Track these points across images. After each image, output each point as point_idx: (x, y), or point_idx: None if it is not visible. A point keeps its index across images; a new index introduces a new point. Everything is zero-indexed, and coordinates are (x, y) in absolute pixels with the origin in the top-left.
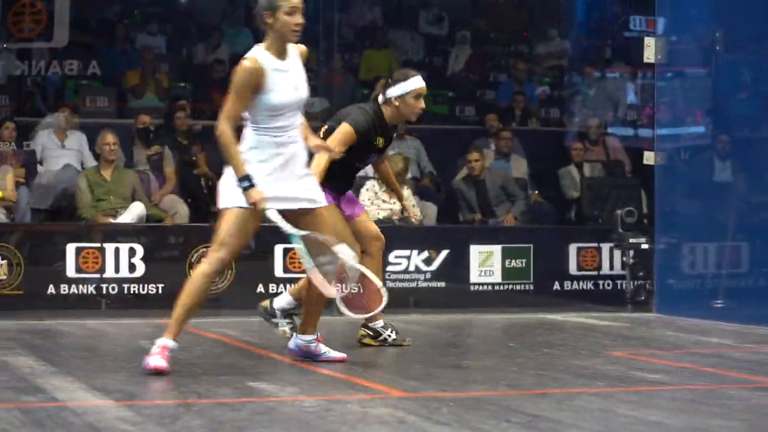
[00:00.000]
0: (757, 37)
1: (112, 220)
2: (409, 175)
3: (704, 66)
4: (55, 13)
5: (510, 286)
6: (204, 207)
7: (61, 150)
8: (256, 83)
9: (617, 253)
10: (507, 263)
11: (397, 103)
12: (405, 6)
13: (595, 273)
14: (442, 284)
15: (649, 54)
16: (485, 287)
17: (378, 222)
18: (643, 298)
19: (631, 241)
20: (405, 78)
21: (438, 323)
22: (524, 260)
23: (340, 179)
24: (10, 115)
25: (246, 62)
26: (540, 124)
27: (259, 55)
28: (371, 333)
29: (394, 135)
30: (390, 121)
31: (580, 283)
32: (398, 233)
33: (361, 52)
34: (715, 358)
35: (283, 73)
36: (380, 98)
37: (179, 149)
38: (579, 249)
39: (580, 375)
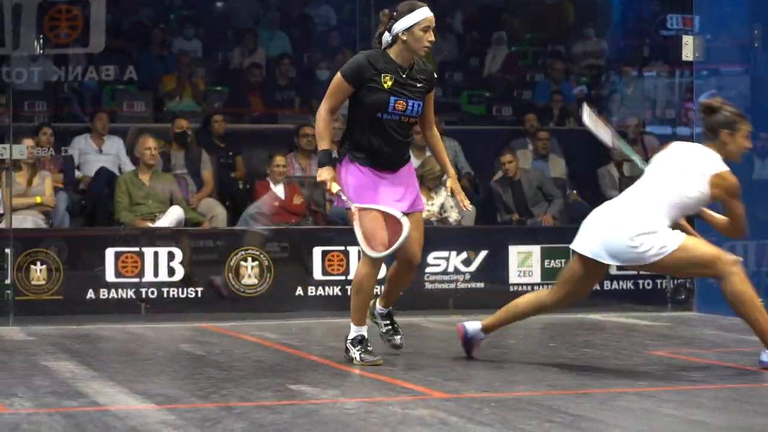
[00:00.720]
0: None
1: (150, 225)
2: (446, 177)
3: (742, 63)
4: (91, 19)
5: (549, 287)
6: (242, 210)
7: (99, 155)
8: None
9: None
10: (546, 263)
11: (404, 38)
12: (440, 6)
13: (635, 273)
14: (482, 285)
15: (687, 52)
16: (524, 288)
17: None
18: (683, 297)
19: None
20: (411, 9)
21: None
22: (563, 260)
23: (374, 144)
24: (47, 120)
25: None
26: (578, 123)
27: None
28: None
29: (428, 77)
30: (399, 59)
31: (620, 282)
32: (437, 234)
33: None
34: (757, 356)
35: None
36: (385, 36)
37: (216, 152)
38: None
39: (622, 375)
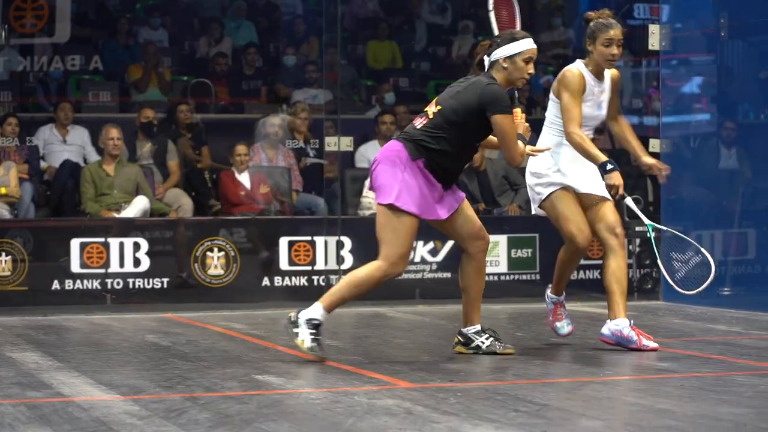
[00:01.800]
0: (762, 24)
1: (115, 215)
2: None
3: (709, 53)
4: (56, 9)
5: (516, 276)
6: (208, 201)
7: (63, 145)
8: (579, 90)
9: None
10: (513, 253)
11: (505, 65)
12: None
13: (601, 262)
14: (448, 275)
15: (654, 41)
16: (491, 277)
17: None
18: (649, 286)
19: (637, 229)
20: (514, 38)
21: (444, 314)
22: (530, 250)
23: (456, 162)
24: (12, 111)
25: (573, 69)
26: (545, 113)
27: (581, 67)
28: (462, 340)
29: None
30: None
31: (587, 272)
32: None
33: (365, 43)
34: (723, 345)
35: (597, 91)
36: (486, 62)
37: (182, 143)
38: None
39: (588, 364)
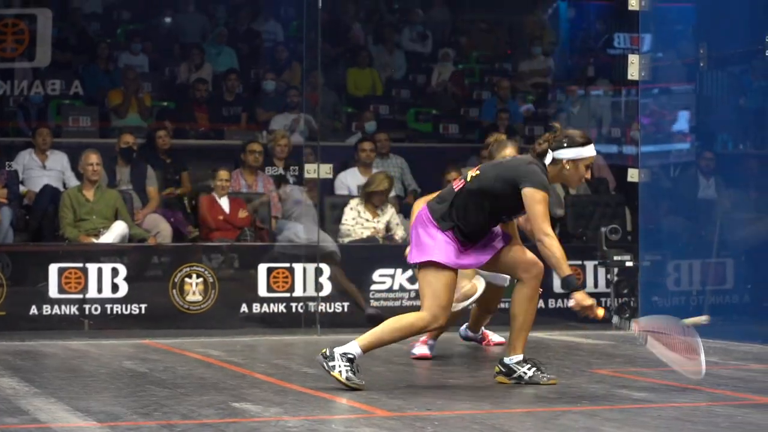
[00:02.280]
0: (742, 54)
1: (94, 240)
2: (393, 194)
3: (688, 82)
4: (37, 33)
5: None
6: (187, 226)
7: (43, 170)
8: None
9: (602, 271)
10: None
11: (568, 167)
12: (388, 23)
13: None
14: None
15: (633, 71)
16: (470, 306)
17: (361, 241)
18: (627, 315)
19: (615, 258)
20: (585, 143)
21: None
22: (508, 278)
23: (477, 228)
24: None
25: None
26: (525, 141)
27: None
28: (504, 369)
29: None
30: (551, 180)
31: (565, 300)
32: (382, 252)
33: (345, 70)
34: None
35: None
36: (548, 156)
37: (162, 168)
38: None
39: (565, 393)
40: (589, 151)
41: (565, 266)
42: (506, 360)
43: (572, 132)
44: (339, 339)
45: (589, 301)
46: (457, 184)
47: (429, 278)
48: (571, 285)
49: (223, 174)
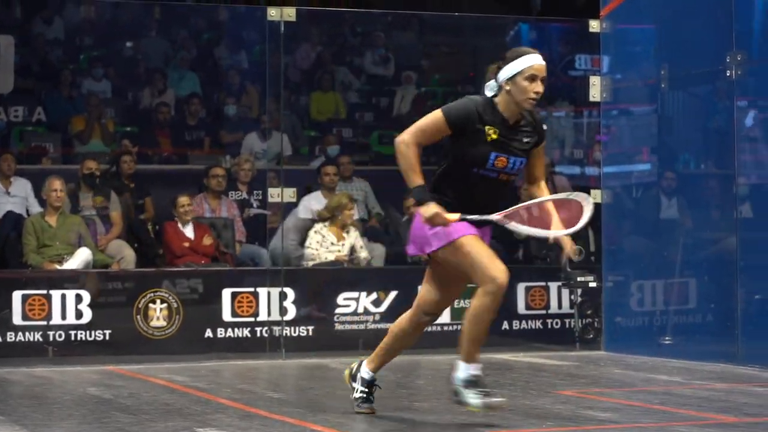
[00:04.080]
0: (703, 74)
1: (58, 267)
2: (356, 216)
3: (650, 103)
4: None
5: (459, 326)
6: (151, 252)
7: (6, 197)
8: None
9: (565, 292)
10: (455, 303)
11: (508, 87)
12: (350, 47)
13: (543, 312)
14: (391, 326)
15: (594, 93)
16: (434, 328)
17: (326, 265)
18: (591, 336)
19: (578, 279)
20: (516, 56)
21: (387, 365)
22: None
23: (462, 195)
24: None
25: None
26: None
27: None
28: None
29: (536, 131)
30: (505, 112)
31: (529, 322)
32: (347, 275)
33: (308, 94)
34: (665, 395)
35: None
36: (490, 83)
37: (126, 194)
38: (527, 288)
39: (530, 415)
40: (523, 62)
41: (414, 176)
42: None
43: (511, 50)
44: (304, 363)
45: (433, 210)
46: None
47: (459, 254)
48: (417, 196)
49: (183, 200)
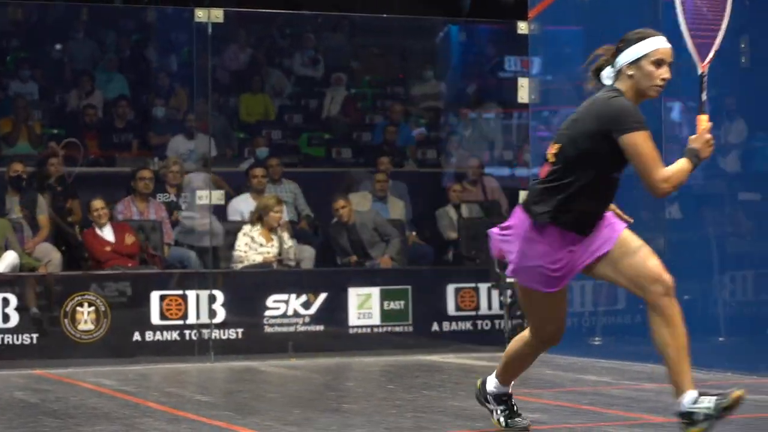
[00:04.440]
0: None
1: None
2: (286, 218)
3: (578, 105)
4: None
5: (389, 328)
6: (78, 255)
7: None
8: None
9: (495, 293)
10: (385, 305)
11: (630, 72)
12: (279, 48)
13: (473, 313)
14: (321, 328)
15: (523, 94)
16: (364, 330)
17: (254, 267)
18: None
19: (508, 280)
20: (640, 38)
21: (317, 367)
22: (403, 302)
23: (598, 205)
24: None
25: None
26: (417, 165)
27: None
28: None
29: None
30: (630, 99)
31: (459, 323)
32: (276, 277)
33: (237, 96)
34: (593, 395)
35: None
36: (606, 71)
37: (53, 196)
38: (457, 289)
39: (459, 416)
40: (649, 44)
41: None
42: (681, 406)
43: (631, 33)
44: (232, 366)
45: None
46: (543, 172)
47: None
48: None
49: (96, 204)
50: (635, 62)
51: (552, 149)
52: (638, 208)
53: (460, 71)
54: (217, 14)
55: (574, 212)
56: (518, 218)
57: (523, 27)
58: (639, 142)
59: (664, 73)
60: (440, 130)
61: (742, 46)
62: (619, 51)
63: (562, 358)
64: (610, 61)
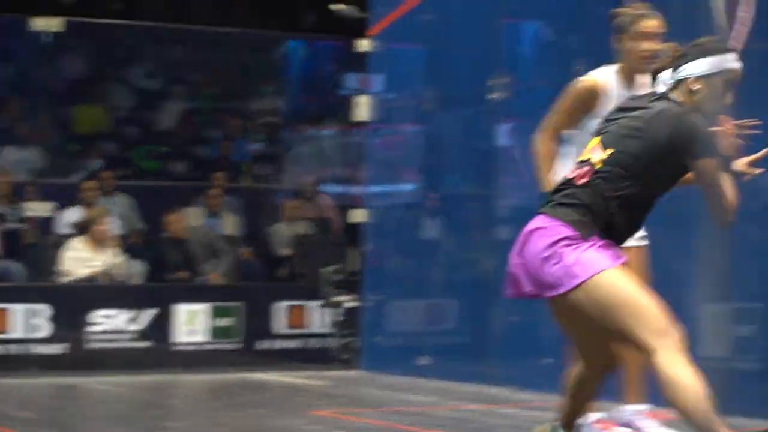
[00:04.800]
0: (469, 96)
1: None
2: (114, 232)
3: (416, 124)
4: None
5: (217, 345)
6: None
7: None
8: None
9: (326, 312)
10: (215, 322)
11: (697, 87)
12: (118, 59)
13: (302, 331)
14: (148, 344)
15: (361, 112)
16: (192, 347)
17: (81, 281)
18: (349, 356)
19: (338, 299)
20: (716, 51)
21: (142, 384)
22: (232, 319)
23: (643, 216)
24: None
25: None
26: (253, 180)
27: (602, 75)
28: None
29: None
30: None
31: (289, 341)
32: (102, 292)
33: (73, 106)
34: (419, 416)
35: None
36: (663, 75)
37: None
38: (288, 307)
39: None
40: (727, 61)
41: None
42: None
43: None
44: (55, 382)
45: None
46: (580, 177)
47: (612, 294)
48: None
49: None
50: (706, 77)
51: (599, 153)
52: (470, 229)
53: (300, 87)
54: (55, 24)
55: (623, 228)
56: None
57: (363, 44)
58: (715, 169)
59: (729, 98)
60: (277, 146)
61: None
62: (684, 59)
63: (390, 377)
64: (672, 65)
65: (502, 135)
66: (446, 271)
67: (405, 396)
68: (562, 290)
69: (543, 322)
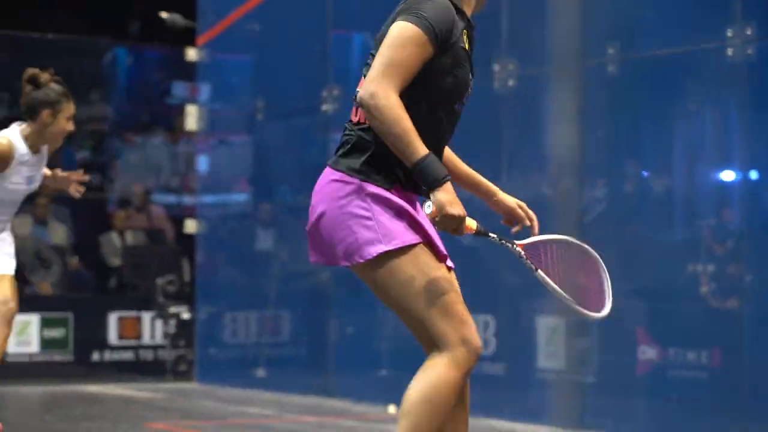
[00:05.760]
0: (300, 108)
1: None
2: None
3: (247, 134)
4: None
5: (48, 357)
6: None
7: None
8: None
9: (158, 323)
10: (45, 333)
11: None
12: None
13: (135, 343)
14: None
15: (191, 121)
16: (22, 358)
17: None
18: (184, 368)
19: (172, 310)
20: None
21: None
22: (63, 330)
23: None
24: None
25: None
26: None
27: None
28: None
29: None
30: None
31: (121, 353)
32: None
33: None
34: (255, 428)
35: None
36: None
37: None
38: (120, 318)
39: None
40: None
41: (416, 142)
42: None
43: None
44: None
45: (456, 210)
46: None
47: (409, 274)
48: (432, 175)
49: None
50: None
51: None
52: (304, 240)
53: (127, 95)
54: None
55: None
56: None
57: (191, 53)
58: (403, 31)
59: None
60: (104, 155)
61: None
62: None
63: (225, 390)
64: None
65: (332, 146)
66: (280, 283)
67: (241, 408)
68: (352, 263)
69: (379, 334)
